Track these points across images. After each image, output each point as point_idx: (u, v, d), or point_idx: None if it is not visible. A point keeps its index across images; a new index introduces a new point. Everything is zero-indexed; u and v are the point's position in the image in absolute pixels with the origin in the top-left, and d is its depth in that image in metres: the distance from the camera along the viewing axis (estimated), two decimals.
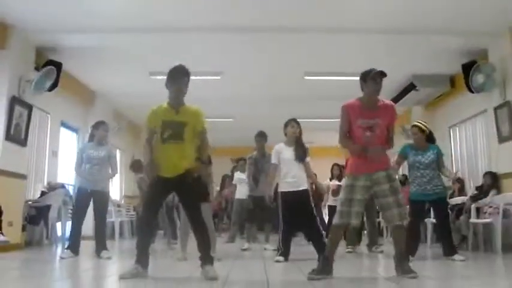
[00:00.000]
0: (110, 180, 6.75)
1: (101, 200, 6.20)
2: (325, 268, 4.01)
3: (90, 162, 6.14)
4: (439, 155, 5.84)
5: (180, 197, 4.32)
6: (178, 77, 4.19)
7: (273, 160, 5.76)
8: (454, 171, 9.31)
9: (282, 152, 5.68)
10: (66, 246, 6.10)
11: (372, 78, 4.07)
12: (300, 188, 5.59)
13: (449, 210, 7.62)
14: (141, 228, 4.36)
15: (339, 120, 4.19)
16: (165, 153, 4.09)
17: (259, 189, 7.11)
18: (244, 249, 7.15)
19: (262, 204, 6.84)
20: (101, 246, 6.04)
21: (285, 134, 5.80)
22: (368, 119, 4.05)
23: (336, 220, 4.11)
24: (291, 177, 5.58)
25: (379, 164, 4.05)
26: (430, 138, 5.96)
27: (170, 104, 4.18)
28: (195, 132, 4.15)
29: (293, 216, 5.62)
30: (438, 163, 5.81)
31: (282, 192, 5.66)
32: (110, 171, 6.38)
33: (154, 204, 4.26)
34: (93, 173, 6.11)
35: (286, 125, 5.81)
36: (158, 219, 7.40)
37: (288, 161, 5.63)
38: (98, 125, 6.37)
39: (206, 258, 4.08)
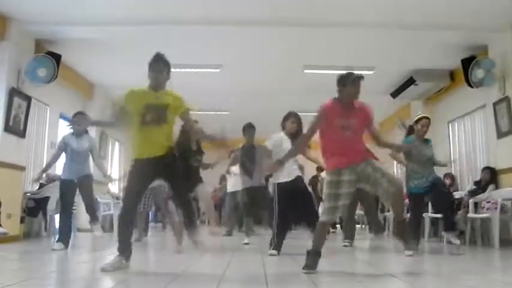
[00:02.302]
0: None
1: (87, 184, 6.24)
2: (315, 263, 4.03)
3: (75, 155, 6.14)
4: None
5: (167, 178, 4.25)
6: (156, 62, 4.19)
7: (273, 147, 5.63)
8: (452, 166, 9.38)
9: (284, 143, 5.61)
10: (57, 238, 6.09)
11: (352, 82, 4.04)
12: (294, 177, 5.64)
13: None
14: (124, 218, 4.08)
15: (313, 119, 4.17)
16: (148, 135, 4.03)
17: (255, 180, 7.04)
18: (246, 244, 7.07)
19: (258, 194, 6.86)
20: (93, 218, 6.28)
21: (283, 127, 5.77)
22: (347, 119, 4.04)
23: (322, 217, 4.12)
24: (286, 169, 5.50)
25: (360, 157, 4.06)
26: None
27: (150, 87, 4.14)
28: (177, 114, 4.13)
29: (289, 206, 5.63)
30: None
31: (278, 183, 5.63)
32: (94, 160, 6.47)
33: (137, 190, 4.12)
34: (78, 164, 6.15)
35: (286, 119, 5.79)
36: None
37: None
38: (76, 116, 6.27)
39: (192, 227, 4.17)
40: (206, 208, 6.59)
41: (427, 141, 6.00)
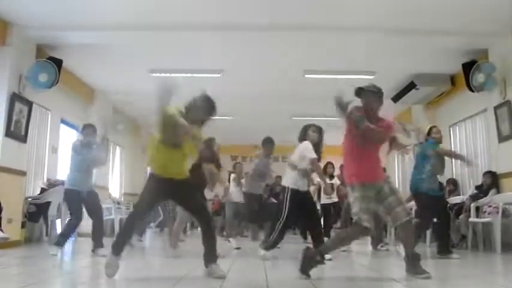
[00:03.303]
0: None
1: (95, 201, 6.20)
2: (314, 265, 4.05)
3: (82, 163, 6.10)
4: None
5: (182, 202, 4.35)
6: (210, 111, 4.32)
7: (312, 154, 5.65)
8: (453, 170, 9.40)
9: (308, 153, 5.67)
10: (57, 242, 6.06)
11: (379, 97, 4.17)
12: (307, 189, 5.83)
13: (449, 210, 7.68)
14: (130, 221, 4.19)
15: (353, 117, 4.09)
16: (169, 156, 4.07)
17: (259, 188, 7.21)
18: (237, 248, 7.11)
19: (259, 201, 6.97)
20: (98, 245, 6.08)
21: (303, 139, 5.78)
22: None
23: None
24: (303, 179, 5.70)
25: (381, 175, 4.15)
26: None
27: (190, 119, 4.04)
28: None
29: (297, 214, 5.75)
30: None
31: (293, 189, 5.66)
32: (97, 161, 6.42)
33: (153, 203, 4.26)
34: (84, 174, 6.12)
35: (306, 129, 5.84)
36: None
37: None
38: (85, 128, 6.35)
39: (212, 257, 4.11)
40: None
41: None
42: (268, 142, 7.16)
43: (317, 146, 5.72)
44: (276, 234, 5.64)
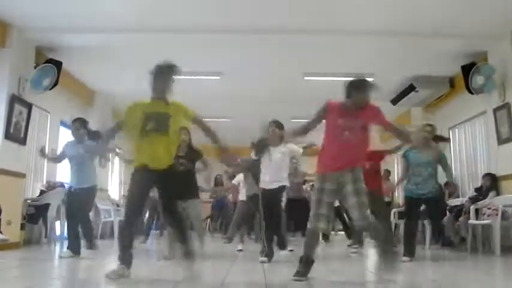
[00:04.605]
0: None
1: (79, 198, 6.01)
2: (306, 270, 4.02)
3: (71, 162, 6.09)
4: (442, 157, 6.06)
5: (161, 191, 4.16)
6: (168, 74, 4.11)
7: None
8: (453, 172, 9.39)
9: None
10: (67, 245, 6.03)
11: (363, 89, 4.01)
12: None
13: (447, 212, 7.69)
14: (124, 226, 4.09)
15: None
16: (149, 145, 4.01)
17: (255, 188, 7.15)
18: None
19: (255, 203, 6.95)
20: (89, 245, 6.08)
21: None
22: (350, 119, 3.99)
23: (308, 224, 4.09)
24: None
25: (352, 164, 4.02)
26: (439, 138, 6.34)
27: (154, 98, 4.12)
28: (183, 123, 4.18)
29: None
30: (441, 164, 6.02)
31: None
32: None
33: (138, 199, 4.07)
34: (74, 172, 6.07)
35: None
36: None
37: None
38: (72, 123, 6.25)
39: (185, 253, 4.03)
40: (196, 227, 6.28)
41: (431, 148, 6.04)
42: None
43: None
44: (264, 242, 5.59)
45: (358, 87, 4.00)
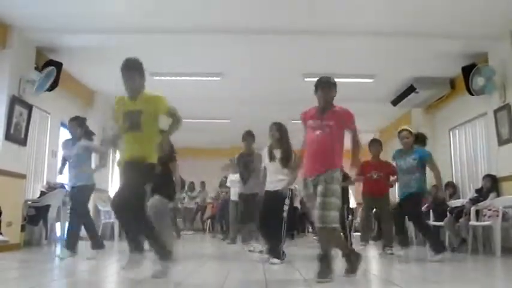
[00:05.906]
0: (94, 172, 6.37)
1: (76, 196, 6.05)
2: (326, 269, 3.99)
3: (68, 160, 6.16)
4: (424, 159, 6.12)
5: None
6: (126, 71, 4.34)
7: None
8: (454, 173, 9.42)
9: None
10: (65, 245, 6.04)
11: (318, 87, 4.26)
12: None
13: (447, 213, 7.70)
14: (118, 218, 4.35)
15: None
16: (127, 144, 4.19)
17: (247, 187, 7.09)
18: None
19: (249, 202, 6.91)
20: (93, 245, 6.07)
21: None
22: (320, 120, 4.20)
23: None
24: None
25: (325, 164, 4.10)
26: (420, 139, 6.50)
27: (128, 96, 4.27)
28: (156, 118, 4.17)
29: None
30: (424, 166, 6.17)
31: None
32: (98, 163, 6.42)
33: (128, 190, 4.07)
34: (72, 170, 6.12)
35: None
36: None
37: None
38: (69, 122, 6.30)
39: (157, 253, 4.10)
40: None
41: (412, 152, 6.17)
42: (245, 135, 7.22)
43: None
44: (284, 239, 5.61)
45: (316, 85, 4.28)
